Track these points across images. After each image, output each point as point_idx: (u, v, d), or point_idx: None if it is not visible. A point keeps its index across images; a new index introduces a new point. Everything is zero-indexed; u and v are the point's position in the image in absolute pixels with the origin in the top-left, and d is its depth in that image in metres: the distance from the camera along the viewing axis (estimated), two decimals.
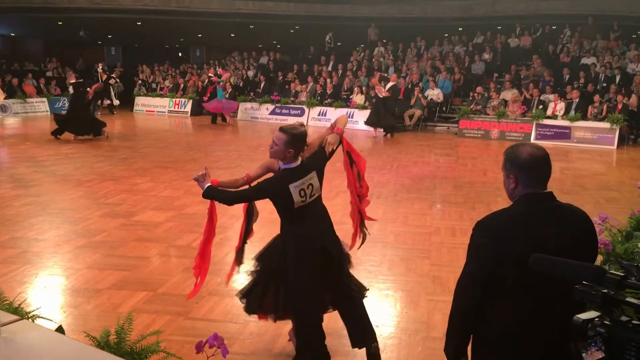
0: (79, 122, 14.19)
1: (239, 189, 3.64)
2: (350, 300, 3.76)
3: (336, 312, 3.84)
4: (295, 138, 3.43)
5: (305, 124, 15.82)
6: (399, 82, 17.66)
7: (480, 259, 2.16)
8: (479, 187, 9.39)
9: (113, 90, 21.33)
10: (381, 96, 16.15)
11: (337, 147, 3.70)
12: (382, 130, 16.26)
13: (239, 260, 3.98)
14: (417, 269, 5.59)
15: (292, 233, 3.64)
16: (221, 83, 19.60)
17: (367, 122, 16.44)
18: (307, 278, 3.55)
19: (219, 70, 21.83)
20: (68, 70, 17.85)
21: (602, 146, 14.41)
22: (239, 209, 3.95)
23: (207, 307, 4.69)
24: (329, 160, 3.66)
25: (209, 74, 21.01)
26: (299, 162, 3.50)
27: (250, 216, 3.97)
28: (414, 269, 5.59)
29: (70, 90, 15.30)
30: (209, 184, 3.56)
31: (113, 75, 21.39)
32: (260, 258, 3.84)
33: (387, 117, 16.14)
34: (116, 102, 21.27)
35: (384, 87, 16.44)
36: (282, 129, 3.47)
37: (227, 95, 19.29)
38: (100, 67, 21.51)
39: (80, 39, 25.44)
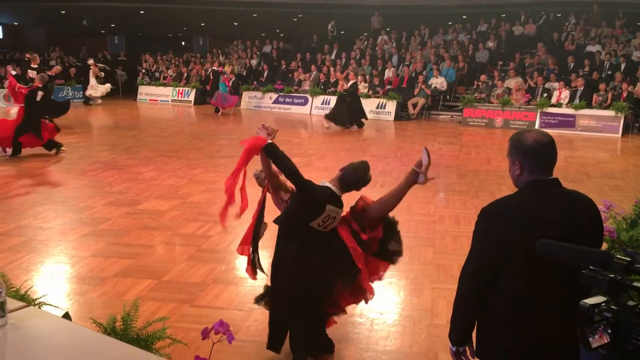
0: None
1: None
2: None
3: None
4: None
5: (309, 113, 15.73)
6: (358, 80, 17.58)
7: (485, 245, 2.15)
8: (483, 175, 9.37)
9: (98, 81, 20.70)
10: (341, 90, 15.99)
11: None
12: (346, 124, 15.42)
13: (254, 269, 3.96)
14: (421, 257, 5.60)
15: (291, 250, 3.57)
16: (225, 75, 19.43)
17: (325, 115, 15.77)
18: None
19: (215, 65, 21.65)
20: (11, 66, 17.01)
21: (607, 134, 14.36)
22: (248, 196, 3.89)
23: (212, 295, 4.71)
24: None
25: (214, 67, 20.88)
26: (340, 194, 3.51)
27: (259, 225, 3.93)
28: (418, 257, 5.60)
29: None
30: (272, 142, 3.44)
31: (100, 65, 20.83)
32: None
33: (344, 114, 15.33)
34: (98, 99, 20.72)
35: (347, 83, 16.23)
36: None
37: (228, 89, 18.97)
38: (91, 61, 21.05)
39: (83, 28, 25.35)
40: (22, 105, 10.82)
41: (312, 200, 3.42)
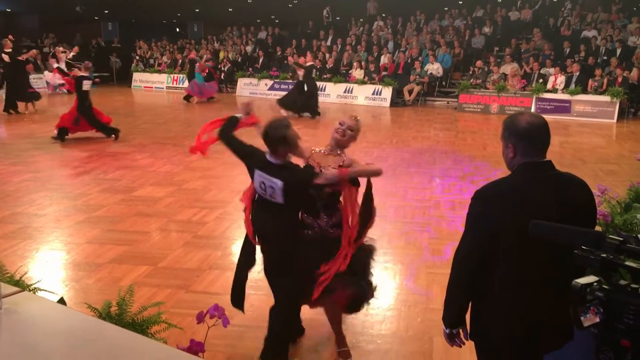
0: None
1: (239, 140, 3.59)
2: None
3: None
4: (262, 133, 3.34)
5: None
6: (354, 67, 17.33)
7: (478, 227, 2.16)
8: (479, 161, 9.38)
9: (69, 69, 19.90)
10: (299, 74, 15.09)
11: (327, 188, 3.30)
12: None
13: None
14: (417, 242, 5.62)
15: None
16: (200, 63, 18.56)
17: (277, 101, 15.23)
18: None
19: (192, 54, 20.41)
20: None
21: (602, 120, 14.37)
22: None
23: (208, 281, 4.72)
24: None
25: (191, 56, 19.93)
26: (273, 159, 3.28)
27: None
28: (414, 242, 5.62)
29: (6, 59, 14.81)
30: (240, 116, 3.65)
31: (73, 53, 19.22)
32: None
33: (295, 100, 14.79)
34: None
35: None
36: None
37: (204, 77, 18.17)
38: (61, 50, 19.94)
39: (77, 14, 25.14)
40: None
41: (245, 161, 3.47)
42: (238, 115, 3.64)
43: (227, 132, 3.58)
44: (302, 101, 14.72)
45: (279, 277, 3.47)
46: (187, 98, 18.43)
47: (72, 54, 18.09)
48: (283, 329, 3.54)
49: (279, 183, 3.21)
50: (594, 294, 1.42)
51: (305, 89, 14.77)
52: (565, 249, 1.60)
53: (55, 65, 16.49)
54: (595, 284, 1.43)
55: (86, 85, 10.93)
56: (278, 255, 3.45)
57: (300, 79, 14.94)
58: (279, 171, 3.24)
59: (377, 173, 3.44)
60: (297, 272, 3.37)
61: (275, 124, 3.28)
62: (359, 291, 3.46)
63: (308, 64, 15.66)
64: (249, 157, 3.41)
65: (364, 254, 3.58)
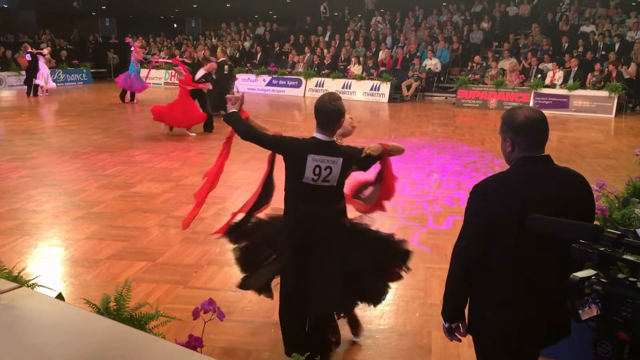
0: None
1: (261, 131, 3.32)
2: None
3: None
4: (317, 109, 3.11)
5: (303, 94, 15.12)
6: (352, 62, 17.23)
7: (477, 221, 2.16)
8: (477, 156, 9.39)
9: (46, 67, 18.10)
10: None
11: (374, 160, 3.30)
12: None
13: (230, 234, 3.65)
14: (415, 237, 5.62)
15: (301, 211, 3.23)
16: (133, 54, 16.92)
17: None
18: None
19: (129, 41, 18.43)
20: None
21: (601, 115, 14.38)
22: (240, 179, 3.90)
23: (206, 276, 4.72)
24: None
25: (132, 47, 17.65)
26: (327, 138, 3.11)
27: (268, 190, 3.58)
28: (412, 238, 5.62)
29: None
30: (235, 111, 3.33)
31: (44, 53, 18.31)
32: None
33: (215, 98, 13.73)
34: (50, 84, 18.09)
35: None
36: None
37: (137, 71, 16.82)
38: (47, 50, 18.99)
39: (74, 10, 25.08)
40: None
41: (288, 153, 3.17)
42: (234, 110, 3.37)
43: (245, 130, 3.27)
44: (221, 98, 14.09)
45: (328, 268, 3.23)
46: (124, 96, 17.00)
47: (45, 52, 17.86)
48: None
49: (339, 160, 3.09)
50: (592, 287, 1.42)
51: (220, 84, 13.88)
52: (563, 243, 1.60)
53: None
54: (593, 277, 1.43)
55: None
56: (328, 245, 3.24)
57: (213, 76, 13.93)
58: (336, 149, 3.13)
59: (403, 150, 3.50)
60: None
61: (333, 96, 3.13)
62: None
63: (220, 59, 14.48)
64: (293, 146, 3.15)
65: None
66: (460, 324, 2.32)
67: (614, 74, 14.68)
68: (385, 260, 3.49)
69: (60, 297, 2.81)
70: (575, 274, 1.43)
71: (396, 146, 3.41)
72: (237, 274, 4.75)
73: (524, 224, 1.77)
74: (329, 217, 3.24)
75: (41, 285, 3.08)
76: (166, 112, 11.06)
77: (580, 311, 1.42)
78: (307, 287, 3.24)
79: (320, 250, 3.23)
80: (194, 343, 2.26)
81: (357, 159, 3.20)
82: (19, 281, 2.84)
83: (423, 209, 6.54)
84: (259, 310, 4.14)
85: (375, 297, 3.46)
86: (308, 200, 3.18)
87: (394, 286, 4.52)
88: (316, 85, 18.59)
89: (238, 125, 3.28)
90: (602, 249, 1.42)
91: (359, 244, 3.36)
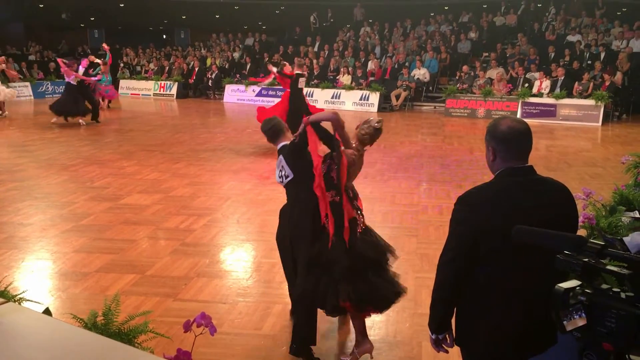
0: None
1: None
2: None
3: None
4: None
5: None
6: (341, 72, 17.40)
7: (462, 232, 2.17)
8: (466, 165, 9.44)
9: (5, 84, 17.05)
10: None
11: (303, 136, 3.62)
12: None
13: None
14: (405, 247, 5.62)
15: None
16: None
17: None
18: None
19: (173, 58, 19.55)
20: None
21: (587, 123, 14.51)
22: (230, 190, 3.91)
23: (196, 288, 4.70)
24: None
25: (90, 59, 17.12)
26: (284, 142, 3.79)
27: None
28: (402, 247, 5.62)
29: None
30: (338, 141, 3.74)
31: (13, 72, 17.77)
32: None
33: (66, 104, 14.14)
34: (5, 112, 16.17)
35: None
36: None
37: (107, 81, 17.10)
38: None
39: (63, 22, 25.03)
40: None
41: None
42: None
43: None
44: (76, 105, 14.12)
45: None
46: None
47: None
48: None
49: (281, 157, 3.74)
50: (576, 298, 1.44)
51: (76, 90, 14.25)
52: (548, 254, 1.61)
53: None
54: (577, 288, 1.45)
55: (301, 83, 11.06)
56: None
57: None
58: (281, 151, 3.78)
59: (331, 116, 3.65)
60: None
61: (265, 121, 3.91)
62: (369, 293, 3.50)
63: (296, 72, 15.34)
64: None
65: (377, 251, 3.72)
66: (447, 335, 2.33)
67: (608, 83, 14.81)
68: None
69: (47, 312, 2.78)
70: (560, 284, 1.44)
71: (319, 115, 3.80)
72: (226, 286, 4.76)
73: (508, 235, 1.79)
74: (302, 207, 3.68)
75: (28, 300, 3.05)
76: (270, 113, 10.87)
77: (564, 322, 1.43)
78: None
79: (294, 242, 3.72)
80: (182, 357, 2.25)
81: (290, 149, 3.71)
82: (6, 296, 2.82)
83: (413, 219, 6.56)
84: (249, 323, 4.13)
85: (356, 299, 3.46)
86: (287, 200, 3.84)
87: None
88: (306, 95, 18.60)
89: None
90: (586, 259, 1.44)
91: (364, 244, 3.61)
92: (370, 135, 3.85)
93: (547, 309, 1.55)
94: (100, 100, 16.66)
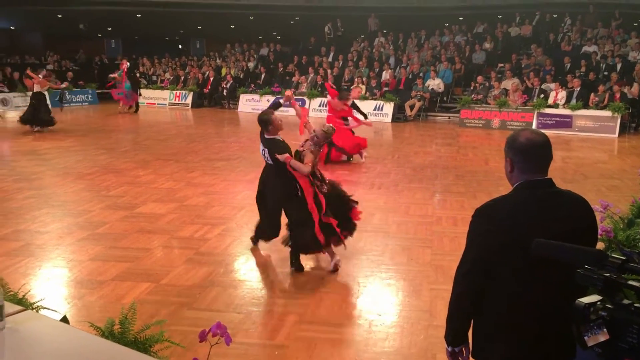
0: None
1: None
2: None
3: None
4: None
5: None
6: (355, 82, 17.54)
7: (479, 245, 2.16)
8: (481, 176, 9.38)
9: None
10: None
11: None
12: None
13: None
14: (419, 258, 5.60)
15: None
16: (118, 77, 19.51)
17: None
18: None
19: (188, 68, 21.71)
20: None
21: (604, 135, 14.40)
22: (245, 199, 3.93)
23: (211, 298, 4.71)
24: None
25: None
26: (269, 136, 5.31)
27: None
28: (416, 259, 5.61)
29: None
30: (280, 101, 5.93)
31: None
32: None
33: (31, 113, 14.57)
34: None
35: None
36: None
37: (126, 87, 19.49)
38: None
39: (80, 32, 25.37)
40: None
41: None
42: (281, 101, 5.90)
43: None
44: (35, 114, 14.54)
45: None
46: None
47: None
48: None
49: (265, 150, 5.29)
50: (597, 313, 1.42)
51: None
52: (567, 268, 1.60)
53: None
54: (598, 303, 1.43)
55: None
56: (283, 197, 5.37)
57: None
58: (265, 141, 5.29)
59: (304, 174, 5.14)
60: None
61: (264, 111, 5.44)
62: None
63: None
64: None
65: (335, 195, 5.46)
66: (463, 348, 2.31)
67: (618, 95, 14.72)
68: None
69: (64, 319, 2.81)
70: (580, 299, 1.43)
71: (300, 168, 5.13)
72: (240, 295, 4.77)
73: (526, 249, 1.77)
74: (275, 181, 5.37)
75: (46, 308, 3.08)
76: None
77: (586, 337, 1.41)
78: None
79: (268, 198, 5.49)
80: None
81: (271, 153, 5.23)
82: (24, 304, 2.85)
83: (427, 230, 6.53)
84: (263, 332, 4.13)
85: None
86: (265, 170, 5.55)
87: (398, 307, 4.52)
88: (320, 105, 18.67)
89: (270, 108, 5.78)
90: (607, 274, 1.43)
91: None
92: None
93: (566, 323, 1.53)
94: (120, 105, 19.58)
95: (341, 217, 5.33)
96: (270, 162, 5.27)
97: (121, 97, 19.76)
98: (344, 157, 10.64)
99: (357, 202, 5.59)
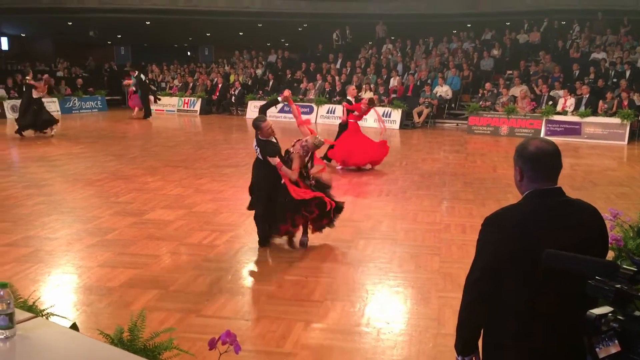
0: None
1: None
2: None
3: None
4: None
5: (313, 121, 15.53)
6: (363, 89, 17.60)
7: (488, 254, 2.15)
8: (489, 183, 9.36)
9: None
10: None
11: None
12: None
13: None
14: (427, 266, 5.58)
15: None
16: (132, 88, 20.87)
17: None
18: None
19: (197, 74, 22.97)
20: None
21: (613, 142, 14.32)
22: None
23: (219, 305, 4.71)
24: None
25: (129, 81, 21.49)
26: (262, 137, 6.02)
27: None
28: (424, 266, 5.59)
29: None
30: (278, 100, 6.88)
31: None
32: None
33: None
34: None
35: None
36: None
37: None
38: None
39: (90, 39, 25.55)
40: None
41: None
42: (279, 98, 6.60)
43: (264, 109, 6.33)
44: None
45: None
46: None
47: None
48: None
49: (258, 148, 6.05)
50: (609, 324, 1.41)
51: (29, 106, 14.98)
52: (578, 278, 1.59)
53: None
54: (610, 314, 1.42)
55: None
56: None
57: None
58: (260, 143, 6.03)
59: (291, 180, 5.88)
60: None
61: (257, 118, 6.06)
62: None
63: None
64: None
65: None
66: (473, 357, 2.30)
67: (626, 102, 14.65)
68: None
69: (74, 327, 2.82)
70: (592, 310, 1.42)
71: (287, 173, 5.89)
72: (249, 302, 4.77)
73: (536, 258, 1.76)
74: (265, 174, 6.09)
75: (55, 315, 3.09)
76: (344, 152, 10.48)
77: (597, 349, 1.41)
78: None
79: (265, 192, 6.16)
80: None
81: (263, 152, 5.99)
82: (34, 311, 2.86)
83: (435, 237, 6.51)
84: (271, 340, 4.13)
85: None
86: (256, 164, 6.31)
87: (406, 315, 4.50)
88: (327, 112, 18.71)
89: (267, 105, 6.62)
90: (619, 286, 1.42)
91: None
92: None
93: (577, 334, 1.52)
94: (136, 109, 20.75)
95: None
96: (260, 157, 6.02)
97: (136, 103, 20.69)
98: (369, 166, 10.58)
99: (341, 203, 6.22)
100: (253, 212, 6.37)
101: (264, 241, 6.16)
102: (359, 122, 10.96)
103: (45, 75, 17.01)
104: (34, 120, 14.82)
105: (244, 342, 3.99)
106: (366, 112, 10.96)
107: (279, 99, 6.53)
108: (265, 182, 6.08)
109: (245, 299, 4.87)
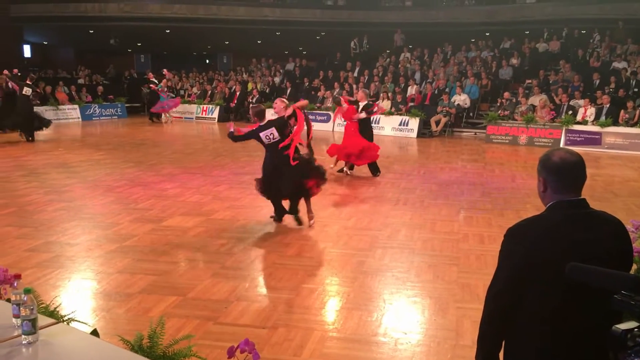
0: None
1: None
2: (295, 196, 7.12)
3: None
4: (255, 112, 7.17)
5: (331, 129, 15.66)
6: (381, 97, 17.78)
7: (511, 265, 2.13)
8: (508, 193, 9.28)
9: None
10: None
11: (291, 116, 7.11)
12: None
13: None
14: (445, 276, 5.54)
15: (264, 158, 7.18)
16: (160, 89, 21.22)
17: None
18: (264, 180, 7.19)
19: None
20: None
21: (634, 152, 14.14)
22: (269, 213, 3.92)
23: (236, 312, 4.72)
24: None
25: (149, 85, 22.21)
26: (265, 121, 6.98)
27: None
28: (442, 276, 5.55)
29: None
30: (232, 131, 7.30)
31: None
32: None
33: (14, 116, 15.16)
34: None
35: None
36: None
37: (166, 97, 21.32)
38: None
39: (111, 47, 25.92)
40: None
41: (255, 136, 7.06)
42: (232, 129, 7.29)
43: (235, 139, 7.34)
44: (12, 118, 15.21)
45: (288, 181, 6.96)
46: (157, 117, 21.79)
47: None
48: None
49: (273, 128, 6.87)
50: (635, 340, 1.39)
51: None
52: (602, 292, 1.57)
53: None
54: (636, 329, 1.40)
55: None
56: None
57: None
58: (270, 123, 6.92)
59: (307, 103, 7.19)
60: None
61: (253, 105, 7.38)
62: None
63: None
64: (256, 131, 7.00)
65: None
66: None
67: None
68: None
69: (95, 333, 2.85)
70: (617, 325, 1.40)
71: (301, 103, 7.54)
72: (266, 310, 4.78)
73: (559, 271, 1.75)
74: (280, 158, 6.94)
75: (76, 320, 3.13)
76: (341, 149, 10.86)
77: None
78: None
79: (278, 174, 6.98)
80: None
81: (278, 123, 6.93)
82: (56, 316, 2.90)
83: (453, 247, 6.47)
84: (289, 348, 4.12)
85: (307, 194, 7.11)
86: (269, 151, 7.07)
87: (424, 326, 4.47)
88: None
89: (236, 139, 7.32)
90: None
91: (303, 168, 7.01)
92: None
93: (601, 349, 1.50)
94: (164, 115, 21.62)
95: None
96: (276, 140, 6.84)
97: (163, 109, 21.30)
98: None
99: (324, 179, 7.24)
100: (271, 218, 7.27)
101: (280, 217, 7.26)
102: (358, 122, 11.19)
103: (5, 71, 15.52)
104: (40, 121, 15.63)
105: (262, 350, 4.00)
106: (349, 112, 11.12)
107: (232, 129, 7.31)
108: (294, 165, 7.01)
109: (262, 306, 4.88)
